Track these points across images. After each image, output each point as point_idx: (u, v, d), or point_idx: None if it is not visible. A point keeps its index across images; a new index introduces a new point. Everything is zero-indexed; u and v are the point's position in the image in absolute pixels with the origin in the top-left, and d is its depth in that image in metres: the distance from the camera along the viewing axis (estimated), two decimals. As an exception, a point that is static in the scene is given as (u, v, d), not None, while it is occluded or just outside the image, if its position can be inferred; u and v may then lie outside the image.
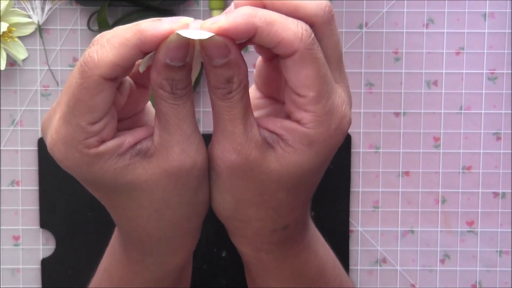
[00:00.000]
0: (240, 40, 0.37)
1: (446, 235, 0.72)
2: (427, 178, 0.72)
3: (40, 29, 0.69)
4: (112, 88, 0.37)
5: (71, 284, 0.71)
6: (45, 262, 0.72)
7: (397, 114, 0.71)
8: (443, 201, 0.72)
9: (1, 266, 0.72)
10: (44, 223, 0.71)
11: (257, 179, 0.40)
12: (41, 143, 0.70)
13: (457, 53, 0.70)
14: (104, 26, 0.67)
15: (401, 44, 0.70)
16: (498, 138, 0.71)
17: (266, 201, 0.41)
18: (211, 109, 0.40)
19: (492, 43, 0.70)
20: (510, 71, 0.71)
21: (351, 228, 0.72)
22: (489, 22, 0.70)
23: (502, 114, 0.71)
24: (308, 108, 0.38)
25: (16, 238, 0.72)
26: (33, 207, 0.71)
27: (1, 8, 0.67)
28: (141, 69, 0.39)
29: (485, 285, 0.73)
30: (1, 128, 0.70)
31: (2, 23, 0.66)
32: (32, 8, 0.69)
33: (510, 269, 0.73)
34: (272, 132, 0.39)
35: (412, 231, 0.72)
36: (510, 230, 0.72)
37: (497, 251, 0.72)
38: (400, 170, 0.71)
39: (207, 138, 0.40)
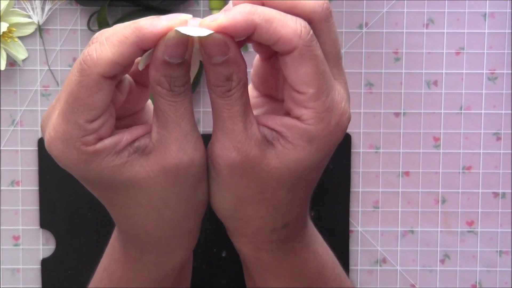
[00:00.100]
0: (239, 37, 0.37)
1: (446, 235, 0.72)
2: (427, 178, 0.72)
3: (40, 29, 0.69)
4: (111, 86, 0.37)
5: (71, 284, 0.71)
6: (45, 262, 0.72)
7: (397, 114, 0.71)
8: (443, 201, 0.72)
9: (1, 266, 0.72)
10: (44, 223, 0.71)
11: (257, 176, 0.40)
12: (41, 143, 0.70)
13: (457, 53, 0.70)
14: (104, 26, 0.67)
15: (401, 44, 0.70)
16: (498, 138, 0.71)
17: (267, 199, 0.41)
18: (211, 109, 0.40)
19: (492, 43, 0.70)
20: (510, 71, 0.71)
21: (351, 228, 0.72)
22: (489, 22, 0.70)
23: (502, 114, 0.71)
24: (308, 105, 0.38)
25: (16, 238, 0.72)
26: (33, 207, 0.71)
27: (1, 8, 0.67)
28: (140, 67, 0.39)
29: (485, 285, 0.73)
30: (1, 128, 0.70)
31: (2, 23, 0.66)
32: (32, 8, 0.69)
33: (510, 269, 0.73)
34: (272, 129, 0.39)
35: (412, 231, 0.72)
36: (510, 230, 0.72)
37: (497, 251, 0.72)
38: (400, 170, 0.71)
39: (207, 138, 0.40)
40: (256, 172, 0.39)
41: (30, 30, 0.69)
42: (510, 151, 0.71)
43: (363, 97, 0.71)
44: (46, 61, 0.70)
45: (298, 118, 0.38)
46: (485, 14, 0.70)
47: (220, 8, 0.67)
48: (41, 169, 0.70)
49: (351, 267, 0.72)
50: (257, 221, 0.42)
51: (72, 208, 0.71)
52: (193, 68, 0.40)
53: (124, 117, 0.43)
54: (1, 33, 0.66)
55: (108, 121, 0.38)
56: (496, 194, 0.72)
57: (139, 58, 0.39)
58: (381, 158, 0.71)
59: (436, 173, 0.72)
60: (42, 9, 0.69)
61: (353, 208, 0.72)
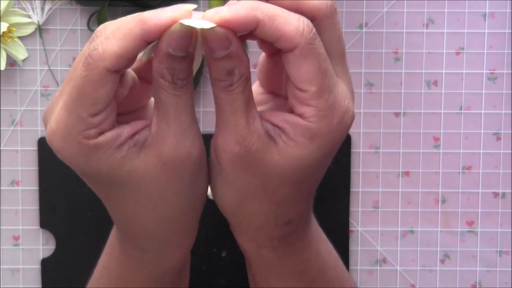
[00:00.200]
0: (241, 32, 0.37)
1: (446, 235, 0.72)
2: (427, 178, 0.72)
3: (40, 29, 0.69)
4: (115, 81, 0.38)
5: (71, 284, 0.71)
6: (45, 262, 0.72)
7: (397, 114, 0.71)
8: (443, 201, 0.72)
9: (1, 266, 0.72)
10: (44, 223, 0.71)
11: (260, 172, 0.40)
12: (41, 143, 0.70)
13: (457, 53, 0.70)
14: (104, 26, 0.67)
15: (401, 44, 0.70)
16: (498, 138, 0.71)
17: (269, 195, 0.41)
18: (211, 109, 0.40)
19: (492, 43, 0.70)
20: (510, 71, 0.71)
21: (351, 228, 0.72)
22: (489, 22, 0.70)
23: (502, 114, 0.71)
24: (310, 103, 0.38)
25: (16, 238, 0.72)
26: (33, 207, 0.71)
27: (1, 8, 0.67)
28: (144, 59, 0.40)
29: (485, 285, 0.73)
30: (1, 128, 0.70)
31: (2, 23, 0.66)
32: (32, 8, 0.69)
33: (510, 269, 0.73)
34: (274, 125, 0.40)
35: (412, 231, 0.72)
36: (510, 230, 0.72)
37: (497, 251, 0.72)
38: (400, 170, 0.71)
39: (207, 138, 0.40)
40: (259, 167, 0.40)
41: (30, 30, 0.69)
42: (510, 151, 0.71)
43: (363, 97, 0.71)
44: (46, 61, 0.70)
45: (300, 115, 0.39)
46: (485, 14, 0.70)
47: (220, 8, 0.67)
48: (41, 169, 0.70)
49: (351, 267, 0.72)
50: (260, 217, 0.42)
51: (72, 208, 0.71)
52: (196, 62, 0.40)
53: (127, 113, 0.43)
54: (1, 33, 0.66)
55: (110, 115, 0.39)
56: (496, 194, 0.72)
57: (141, 54, 0.39)
58: (381, 158, 0.71)
59: (436, 173, 0.72)
60: (42, 9, 0.69)
61: (353, 208, 0.72)
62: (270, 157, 0.39)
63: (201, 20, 0.36)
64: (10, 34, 0.67)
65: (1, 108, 0.70)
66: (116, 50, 0.37)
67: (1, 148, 0.71)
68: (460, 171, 0.72)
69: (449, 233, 0.72)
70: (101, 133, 0.38)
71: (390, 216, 0.72)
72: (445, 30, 0.70)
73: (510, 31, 0.70)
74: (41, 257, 0.72)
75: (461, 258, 0.72)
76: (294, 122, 0.39)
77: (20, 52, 0.69)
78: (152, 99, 0.45)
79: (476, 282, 0.73)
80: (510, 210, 0.72)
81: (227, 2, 0.68)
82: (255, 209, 0.42)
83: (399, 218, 0.72)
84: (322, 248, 0.49)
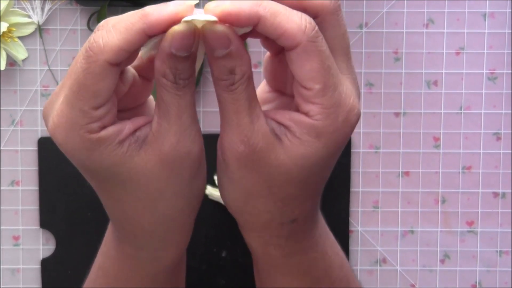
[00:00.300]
0: (243, 27, 0.37)
1: (446, 235, 0.72)
2: (427, 178, 0.72)
3: (40, 29, 0.69)
4: (116, 74, 0.38)
5: (71, 284, 0.71)
6: (45, 262, 0.72)
7: (397, 114, 0.71)
8: (443, 201, 0.72)
9: (1, 266, 0.72)
10: (44, 223, 0.71)
11: (266, 171, 0.40)
12: (41, 143, 0.70)
13: (457, 53, 0.70)
14: (104, 26, 0.67)
15: (401, 44, 0.70)
16: (498, 138, 0.71)
17: (275, 193, 0.41)
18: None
19: (492, 43, 0.70)
20: (510, 71, 0.71)
21: (351, 228, 0.72)
22: (489, 22, 0.70)
23: (502, 114, 0.71)
24: (314, 101, 0.38)
25: (16, 238, 0.72)
26: (33, 207, 0.71)
27: (1, 8, 0.67)
28: (144, 56, 0.40)
29: (485, 285, 0.73)
30: (1, 128, 0.70)
31: (2, 23, 0.66)
32: (32, 8, 0.69)
33: (510, 269, 0.73)
34: (280, 123, 0.40)
35: (412, 231, 0.72)
36: (510, 230, 0.72)
37: (497, 251, 0.72)
38: (400, 170, 0.72)
39: (207, 138, 0.40)
40: (264, 166, 0.40)
41: (30, 30, 0.69)
42: (510, 151, 0.71)
43: (363, 97, 0.71)
44: (46, 61, 0.70)
45: (306, 113, 0.39)
46: (485, 14, 0.70)
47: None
48: (41, 169, 0.70)
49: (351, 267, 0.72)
50: (265, 216, 0.42)
51: (72, 208, 0.71)
52: (197, 62, 0.40)
53: (126, 110, 0.43)
54: (1, 33, 0.66)
55: (112, 110, 0.39)
56: (496, 194, 0.72)
57: (142, 51, 0.39)
58: (381, 158, 0.71)
59: (436, 173, 0.72)
60: (42, 9, 0.69)
61: (353, 208, 0.72)
62: (276, 156, 0.39)
63: (202, 14, 0.36)
64: (10, 34, 0.67)
65: (1, 108, 0.70)
66: (117, 43, 0.37)
67: (1, 148, 0.71)
68: (460, 171, 0.72)
69: (449, 233, 0.72)
70: (104, 127, 0.38)
71: (390, 216, 0.72)
72: (445, 30, 0.70)
73: (510, 31, 0.70)
74: (41, 257, 0.72)
75: (461, 258, 0.72)
76: (299, 120, 0.39)
77: (20, 52, 0.69)
78: (151, 97, 0.46)
79: (476, 282, 0.73)
80: (510, 210, 0.72)
81: None
82: (261, 207, 0.42)
83: (399, 218, 0.72)
84: (329, 248, 0.49)
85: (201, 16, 0.36)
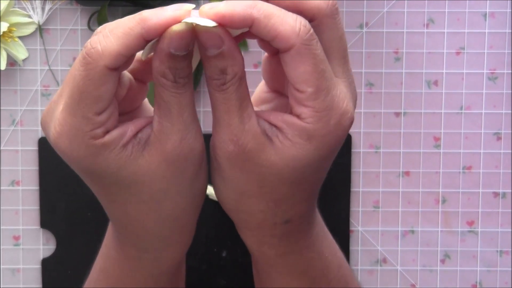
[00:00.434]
0: (237, 29, 0.37)
1: (446, 235, 0.72)
2: (427, 178, 0.72)
3: (41, 29, 0.69)
4: (115, 78, 0.38)
5: (71, 284, 0.71)
6: (45, 262, 0.72)
7: (397, 114, 0.71)
8: (443, 201, 0.72)
9: (1, 266, 0.72)
10: (44, 223, 0.71)
11: (257, 171, 0.40)
12: (41, 143, 0.70)
13: (457, 53, 0.70)
14: (104, 26, 0.67)
15: (401, 44, 0.70)
16: (498, 138, 0.71)
17: (266, 193, 0.41)
18: (211, 109, 0.40)
19: (492, 43, 0.70)
20: (510, 71, 0.70)
21: (351, 228, 0.72)
22: (490, 22, 0.70)
23: (502, 114, 0.71)
24: (307, 103, 0.38)
25: (16, 238, 0.72)
26: (33, 207, 0.71)
27: (2, 8, 0.67)
28: (143, 57, 0.40)
29: (486, 285, 0.73)
30: (1, 128, 0.70)
31: (2, 23, 0.66)
32: (33, 8, 0.69)
33: (510, 269, 0.73)
34: (272, 124, 0.40)
35: (413, 231, 0.72)
36: (510, 230, 0.72)
37: (497, 251, 0.72)
38: (400, 170, 0.71)
39: (207, 138, 0.40)
40: (255, 166, 0.40)
41: (30, 30, 0.69)
42: (510, 151, 0.71)
43: (363, 97, 0.71)
44: (47, 61, 0.70)
45: (298, 116, 0.39)
46: (486, 14, 0.70)
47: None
48: (41, 169, 0.70)
49: (351, 267, 0.72)
50: (258, 215, 0.42)
51: (72, 208, 0.71)
52: (194, 61, 0.40)
53: (124, 114, 0.43)
54: (1, 33, 0.66)
55: (114, 114, 0.39)
56: (496, 194, 0.72)
57: (140, 52, 0.39)
58: (381, 158, 0.71)
59: (436, 173, 0.72)
60: (42, 9, 0.69)
61: (353, 208, 0.72)
62: (266, 156, 0.39)
63: (203, 18, 0.37)
64: (11, 34, 0.67)
65: (1, 108, 0.70)
66: (116, 48, 0.37)
67: (1, 148, 0.71)
68: (461, 171, 0.72)
69: (449, 233, 0.72)
70: (107, 132, 0.38)
71: (390, 216, 0.72)
72: (445, 30, 0.70)
73: (511, 31, 0.70)
74: (41, 257, 0.72)
75: (462, 258, 0.72)
76: (291, 122, 0.39)
77: (20, 52, 0.69)
78: (146, 99, 0.46)
79: (476, 282, 0.73)
80: (510, 210, 0.72)
81: None
82: (253, 207, 0.42)
83: (400, 218, 0.72)
84: (326, 248, 0.49)
85: (200, 21, 0.36)
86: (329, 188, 0.71)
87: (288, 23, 0.37)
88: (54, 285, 0.71)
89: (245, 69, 0.39)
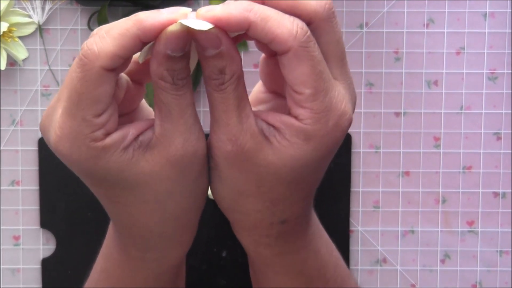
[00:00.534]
0: (234, 32, 0.37)
1: (446, 235, 0.72)
2: (427, 178, 0.72)
3: (41, 29, 0.69)
4: (113, 79, 0.38)
5: (71, 284, 0.71)
6: (45, 262, 0.72)
7: (397, 114, 0.71)
8: (443, 201, 0.72)
9: (1, 266, 0.72)
10: (44, 223, 0.71)
11: (255, 170, 0.40)
12: (41, 143, 0.70)
13: (457, 53, 0.70)
14: (104, 26, 0.67)
15: (401, 44, 0.70)
16: (498, 138, 0.71)
17: (264, 193, 0.41)
18: (209, 109, 0.40)
19: (492, 43, 0.70)
20: (510, 71, 0.71)
21: (351, 228, 0.72)
22: (490, 22, 0.70)
23: (502, 114, 0.71)
24: (305, 105, 0.38)
25: (16, 238, 0.72)
26: (33, 207, 0.71)
27: (2, 8, 0.67)
28: (141, 60, 0.40)
29: (486, 285, 0.73)
30: (1, 128, 0.70)
31: (2, 23, 0.66)
32: (33, 8, 0.69)
33: (510, 269, 0.73)
34: (270, 124, 0.40)
35: (413, 231, 0.72)
36: (510, 230, 0.72)
37: (497, 251, 0.72)
38: (400, 170, 0.71)
39: (207, 138, 0.40)
40: (253, 166, 0.40)
41: (30, 30, 0.69)
42: (510, 151, 0.71)
43: (363, 97, 0.71)
44: (47, 61, 0.70)
45: (296, 117, 0.39)
46: (485, 14, 0.70)
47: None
48: (41, 169, 0.70)
49: (351, 267, 0.72)
50: (255, 215, 0.42)
51: (72, 208, 0.71)
52: (192, 62, 0.40)
53: (122, 115, 0.43)
54: (1, 33, 0.66)
55: (113, 116, 0.39)
56: (496, 194, 0.72)
57: (137, 54, 0.39)
58: (381, 158, 0.71)
59: (436, 173, 0.72)
60: (43, 9, 0.69)
61: (353, 208, 0.72)
62: (265, 156, 0.39)
63: (200, 21, 0.37)
64: (11, 34, 0.67)
65: (1, 108, 0.70)
66: (112, 49, 0.37)
67: (1, 148, 0.71)
68: (460, 171, 0.72)
69: (449, 233, 0.72)
70: (108, 134, 0.38)
71: (390, 216, 0.72)
72: (445, 30, 0.70)
73: (510, 31, 0.70)
74: (41, 257, 0.72)
75: (462, 258, 0.72)
76: (289, 123, 0.39)
77: (20, 52, 0.69)
78: (143, 100, 0.46)
79: (476, 282, 0.73)
80: (510, 210, 0.72)
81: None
82: (250, 206, 0.42)
83: (400, 218, 0.72)
84: (322, 248, 0.49)
85: (198, 25, 0.36)
86: (329, 188, 0.71)
87: (285, 26, 0.37)
88: (54, 285, 0.71)
89: (245, 69, 0.39)
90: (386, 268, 0.72)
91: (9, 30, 0.67)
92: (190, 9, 0.38)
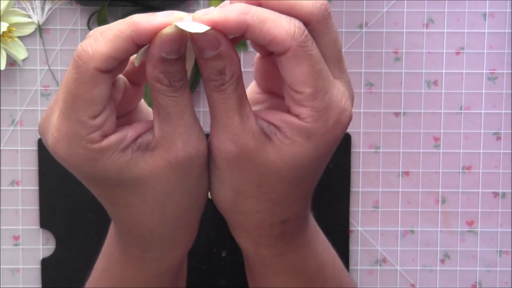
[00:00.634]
0: (231, 35, 0.38)
1: (446, 235, 0.72)
2: (427, 178, 0.72)
3: (40, 29, 0.69)
4: (108, 81, 0.38)
5: (71, 284, 0.71)
6: (45, 262, 0.72)
7: (397, 114, 0.71)
8: (443, 201, 0.72)
9: (1, 266, 0.72)
10: (44, 223, 0.71)
11: (256, 170, 0.40)
12: (41, 143, 0.70)
13: (457, 53, 0.70)
14: (104, 26, 0.67)
15: (401, 44, 0.70)
16: (498, 138, 0.71)
17: (265, 193, 0.41)
18: (208, 108, 0.40)
19: (492, 43, 0.70)
20: (510, 71, 0.71)
21: (351, 228, 0.72)
22: (489, 22, 0.70)
23: (502, 114, 0.71)
24: (305, 104, 0.38)
25: (16, 238, 0.72)
26: (33, 207, 0.71)
27: (1, 8, 0.67)
28: (136, 63, 0.40)
29: (485, 285, 0.73)
30: (1, 128, 0.70)
31: (2, 23, 0.66)
32: (32, 8, 0.69)
33: (510, 269, 0.73)
34: (270, 123, 0.40)
35: (412, 231, 0.72)
36: (510, 230, 0.72)
37: (497, 251, 0.72)
38: (400, 170, 0.71)
39: (207, 138, 0.40)
40: (254, 165, 0.40)
41: (30, 30, 0.69)
42: (510, 151, 0.71)
43: (363, 97, 0.71)
44: (46, 61, 0.70)
45: (297, 116, 0.39)
46: (485, 14, 0.70)
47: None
48: (41, 169, 0.70)
49: (351, 267, 0.72)
50: (256, 216, 0.42)
51: (72, 208, 0.71)
52: (189, 62, 0.40)
53: (119, 117, 0.43)
54: (1, 33, 0.66)
55: (110, 117, 0.39)
56: (496, 194, 0.72)
57: (134, 56, 0.39)
58: (381, 158, 0.71)
59: (436, 173, 0.72)
60: (42, 9, 0.69)
61: (353, 208, 0.72)
62: (266, 155, 0.39)
63: (195, 23, 0.37)
64: (10, 34, 0.67)
65: (1, 108, 0.70)
66: (106, 50, 0.37)
67: (1, 148, 0.71)
68: (460, 171, 0.72)
69: (449, 233, 0.72)
70: (105, 136, 0.38)
71: (390, 216, 0.72)
72: (445, 30, 0.70)
73: (510, 31, 0.70)
74: (41, 257, 0.72)
75: (461, 258, 0.72)
76: (290, 121, 0.39)
77: (20, 52, 0.69)
78: (142, 101, 0.46)
79: (476, 282, 0.73)
80: (510, 210, 0.72)
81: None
82: (251, 207, 0.42)
83: (399, 218, 0.72)
84: (320, 247, 0.49)
85: (193, 28, 0.36)
86: (329, 188, 0.71)
87: (282, 27, 0.37)
88: (53, 285, 0.71)
89: (245, 69, 0.39)
90: (385, 268, 0.72)
91: (9, 30, 0.67)
92: (186, 14, 0.37)
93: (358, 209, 0.72)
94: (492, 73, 0.71)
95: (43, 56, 0.70)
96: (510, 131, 0.71)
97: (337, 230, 0.71)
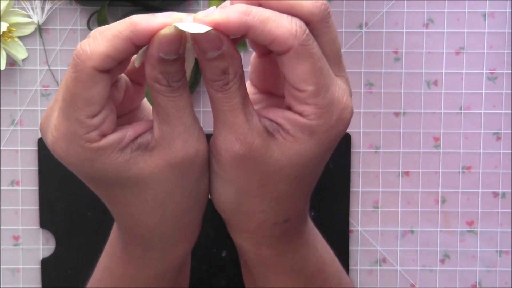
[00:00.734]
0: (232, 36, 0.38)
1: (446, 235, 0.72)
2: (427, 178, 0.72)
3: (40, 29, 0.69)
4: (107, 81, 0.38)
5: (71, 284, 0.71)
6: (45, 262, 0.72)
7: (397, 114, 0.71)
8: (443, 201, 0.72)
9: (1, 266, 0.72)
10: (44, 223, 0.71)
11: (260, 169, 0.40)
12: (41, 143, 0.70)
13: (457, 53, 0.70)
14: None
15: (401, 44, 0.70)
16: (498, 138, 0.71)
17: (269, 192, 0.41)
18: (211, 109, 0.40)
19: (492, 43, 0.70)
20: (510, 71, 0.71)
21: (351, 228, 0.72)
22: (489, 22, 0.70)
23: (502, 114, 0.71)
24: (308, 101, 0.38)
25: (16, 238, 0.72)
26: (33, 207, 0.71)
27: (1, 8, 0.67)
28: (136, 64, 0.40)
29: (485, 285, 0.73)
30: (1, 128, 0.70)
31: (2, 23, 0.66)
32: (32, 8, 0.69)
33: (510, 269, 0.73)
34: (272, 121, 0.40)
35: (412, 231, 0.72)
36: (510, 230, 0.72)
37: (497, 251, 0.73)
38: (400, 170, 0.72)
39: (208, 138, 0.40)
40: (259, 164, 0.40)
41: (30, 30, 0.69)
42: (510, 151, 0.71)
43: (363, 97, 0.71)
44: (46, 61, 0.70)
45: (299, 113, 0.39)
46: (485, 14, 0.70)
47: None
48: (41, 169, 0.70)
49: (351, 267, 0.72)
50: (259, 215, 0.43)
51: (72, 208, 0.71)
52: (189, 63, 0.40)
53: (121, 116, 0.43)
54: (1, 33, 0.66)
55: (109, 117, 0.39)
56: (496, 194, 0.72)
57: (135, 56, 0.39)
58: (381, 158, 0.71)
59: (436, 173, 0.72)
60: (42, 9, 0.69)
61: (353, 208, 0.72)
62: (270, 153, 0.40)
63: (195, 24, 0.37)
64: (10, 34, 0.67)
65: (1, 108, 0.70)
66: (104, 50, 0.37)
67: (1, 148, 0.71)
68: (460, 171, 0.72)
69: (449, 233, 0.72)
70: (103, 135, 0.38)
71: (390, 216, 0.72)
72: (445, 30, 0.70)
73: (510, 31, 0.70)
74: (41, 257, 0.72)
75: (461, 258, 0.72)
76: (293, 119, 0.39)
77: (20, 52, 0.69)
78: (144, 100, 0.46)
79: (476, 282, 0.73)
80: (510, 210, 0.72)
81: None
82: (254, 207, 0.42)
83: (399, 218, 0.72)
84: (319, 246, 0.49)
85: (193, 28, 0.36)
86: (329, 188, 0.71)
87: (284, 26, 0.37)
88: (53, 285, 0.71)
89: (245, 69, 0.39)
90: (385, 268, 0.72)
91: (9, 30, 0.67)
92: (185, 14, 0.37)
93: (358, 209, 0.72)
94: (492, 73, 0.71)
95: (43, 56, 0.70)
96: (510, 131, 0.71)
97: (337, 230, 0.71)
